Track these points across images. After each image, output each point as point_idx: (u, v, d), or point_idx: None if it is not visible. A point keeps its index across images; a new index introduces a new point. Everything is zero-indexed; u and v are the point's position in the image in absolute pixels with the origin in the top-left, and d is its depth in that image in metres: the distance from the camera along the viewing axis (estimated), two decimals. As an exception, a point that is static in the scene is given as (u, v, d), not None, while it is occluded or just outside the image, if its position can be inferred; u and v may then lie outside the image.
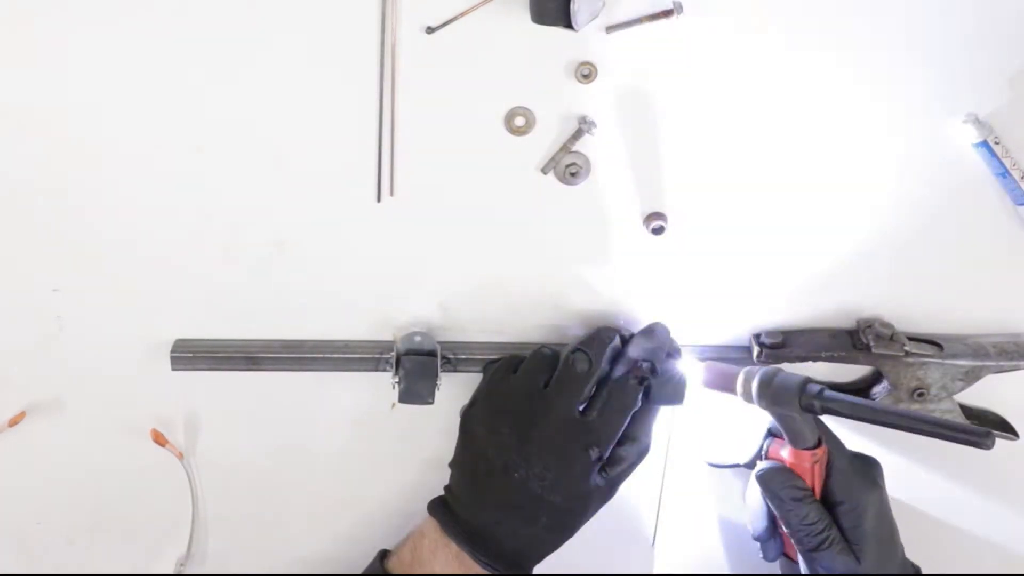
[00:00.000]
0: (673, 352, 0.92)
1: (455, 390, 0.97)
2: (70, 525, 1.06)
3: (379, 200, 0.90)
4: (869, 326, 0.95)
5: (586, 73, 0.85)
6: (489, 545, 0.89)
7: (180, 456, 1.02)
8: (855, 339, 0.95)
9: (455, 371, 0.96)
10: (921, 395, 0.95)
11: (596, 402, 0.88)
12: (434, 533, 0.92)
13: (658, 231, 0.91)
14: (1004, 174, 0.87)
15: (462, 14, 0.83)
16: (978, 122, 0.86)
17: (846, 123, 0.88)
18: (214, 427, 1.02)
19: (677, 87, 0.87)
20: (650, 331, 0.92)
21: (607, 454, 0.89)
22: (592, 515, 0.91)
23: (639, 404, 0.89)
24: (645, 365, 0.89)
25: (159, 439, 1.00)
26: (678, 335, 0.95)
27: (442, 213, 0.91)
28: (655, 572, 1.08)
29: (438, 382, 0.94)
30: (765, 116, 0.88)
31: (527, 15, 0.81)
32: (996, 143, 0.86)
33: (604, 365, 0.89)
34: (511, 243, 0.93)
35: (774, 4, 0.84)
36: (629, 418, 0.89)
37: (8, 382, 0.98)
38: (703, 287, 0.96)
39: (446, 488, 0.94)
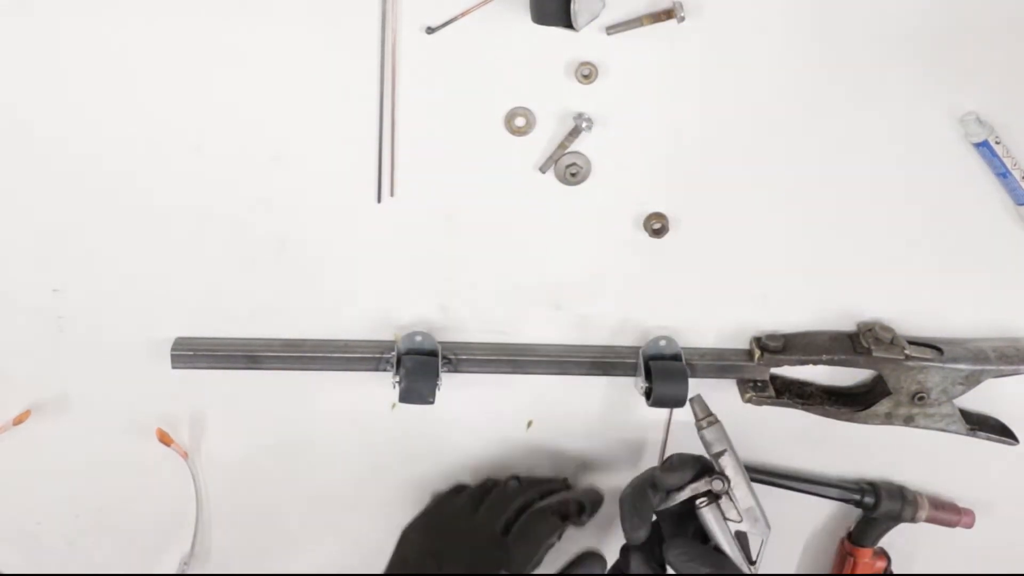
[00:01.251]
0: None
1: (456, 390, 0.97)
2: (75, 523, 1.07)
3: (379, 200, 0.90)
4: (869, 329, 0.95)
5: (586, 73, 0.85)
6: None
7: (185, 456, 1.02)
8: (855, 342, 0.95)
9: (455, 371, 0.96)
10: (921, 399, 0.94)
11: (515, 525, 0.93)
12: None
13: (658, 232, 0.91)
14: (1005, 174, 0.87)
15: (462, 14, 0.83)
16: (979, 121, 0.86)
17: (846, 123, 0.88)
18: (218, 427, 1.02)
19: (677, 88, 0.87)
20: (591, 490, 0.99)
21: None
22: None
23: (556, 539, 0.94)
24: (574, 506, 0.95)
25: (164, 439, 1.00)
26: (678, 338, 0.96)
27: (442, 213, 0.92)
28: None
29: (439, 382, 0.94)
30: (765, 117, 0.88)
31: (527, 15, 0.81)
32: (997, 143, 0.86)
33: (534, 493, 0.95)
34: (511, 243, 0.93)
35: (773, 4, 0.83)
36: (544, 548, 0.92)
37: (12, 381, 0.98)
38: (703, 289, 0.95)
39: None
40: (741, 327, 0.97)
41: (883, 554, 1.07)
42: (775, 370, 0.98)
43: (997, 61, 0.85)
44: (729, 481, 0.88)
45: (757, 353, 0.95)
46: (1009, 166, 0.87)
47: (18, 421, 0.98)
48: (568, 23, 0.79)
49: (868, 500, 1.02)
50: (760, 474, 1.01)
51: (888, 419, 0.97)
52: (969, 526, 1.02)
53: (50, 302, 0.94)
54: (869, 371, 0.98)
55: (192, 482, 1.04)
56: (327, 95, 0.86)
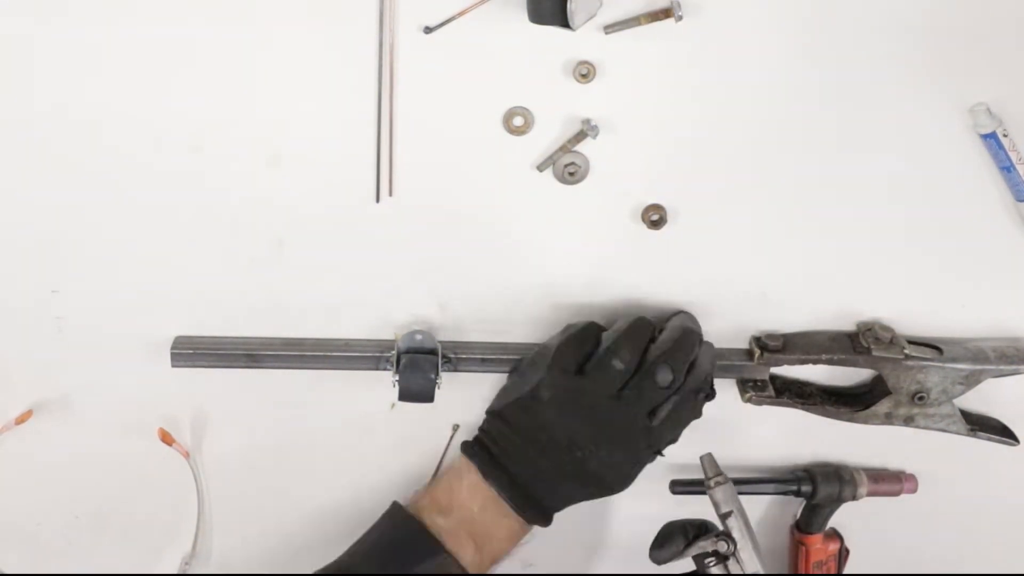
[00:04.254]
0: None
1: (455, 390, 0.97)
2: (75, 523, 1.07)
3: (378, 200, 0.90)
4: (869, 329, 0.94)
5: (584, 73, 0.85)
6: (537, 500, 0.91)
7: (186, 455, 1.02)
8: (855, 342, 0.95)
9: (455, 370, 0.96)
10: (921, 399, 0.94)
11: (664, 410, 0.89)
12: (473, 476, 0.91)
13: (656, 223, 0.91)
14: (1009, 168, 0.86)
15: (460, 14, 0.83)
16: (988, 113, 0.85)
17: (845, 121, 0.88)
18: (220, 426, 1.02)
19: (676, 87, 0.87)
20: (708, 345, 0.94)
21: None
22: None
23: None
24: (709, 378, 0.92)
25: (166, 438, 1.00)
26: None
27: (441, 213, 0.92)
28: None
29: (438, 381, 0.94)
30: (764, 114, 0.88)
31: (525, 15, 0.81)
32: (1004, 135, 0.85)
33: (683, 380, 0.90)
34: (510, 242, 0.93)
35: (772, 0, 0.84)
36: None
37: (13, 382, 0.99)
38: (703, 289, 0.95)
39: (484, 432, 0.93)
40: (741, 326, 0.97)
41: (835, 535, 1.06)
42: (775, 370, 0.98)
43: (1003, 55, 0.85)
44: (736, 543, 0.88)
45: (757, 352, 0.95)
46: (1014, 160, 0.86)
47: (20, 421, 0.98)
48: (565, 22, 0.79)
49: (805, 488, 1.01)
50: (693, 486, 1.00)
51: (888, 419, 0.96)
52: (913, 491, 1.02)
53: (49, 303, 0.94)
54: (869, 371, 0.98)
55: (194, 482, 1.04)
56: (326, 95, 0.86)
